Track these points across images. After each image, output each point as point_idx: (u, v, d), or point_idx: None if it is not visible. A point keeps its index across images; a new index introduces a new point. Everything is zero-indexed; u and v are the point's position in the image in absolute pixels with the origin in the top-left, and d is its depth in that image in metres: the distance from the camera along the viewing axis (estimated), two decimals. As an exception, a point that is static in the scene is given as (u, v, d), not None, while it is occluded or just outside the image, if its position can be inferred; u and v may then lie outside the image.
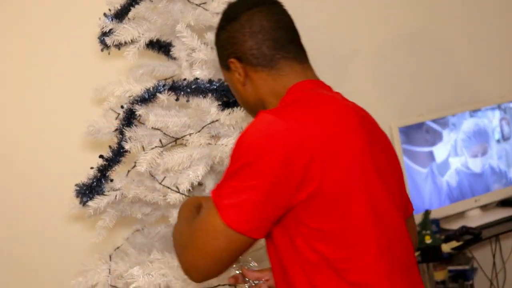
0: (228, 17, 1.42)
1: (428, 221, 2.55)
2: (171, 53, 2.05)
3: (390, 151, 1.43)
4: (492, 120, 2.85)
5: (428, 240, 2.52)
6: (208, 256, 1.20)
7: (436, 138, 2.74)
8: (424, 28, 2.90)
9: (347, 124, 1.31)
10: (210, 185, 2.03)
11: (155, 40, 2.06)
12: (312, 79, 1.42)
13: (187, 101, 1.90)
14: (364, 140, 1.31)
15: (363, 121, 1.37)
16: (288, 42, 1.40)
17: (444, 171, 2.75)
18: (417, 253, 2.55)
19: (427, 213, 2.58)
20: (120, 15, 1.98)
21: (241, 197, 1.18)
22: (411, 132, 2.70)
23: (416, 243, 1.50)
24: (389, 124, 2.65)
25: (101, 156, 1.94)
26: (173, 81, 1.90)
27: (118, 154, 1.92)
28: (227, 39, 1.41)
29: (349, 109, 1.35)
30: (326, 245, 1.22)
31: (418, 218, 2.63)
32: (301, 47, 1.44)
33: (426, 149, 2.73)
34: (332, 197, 1.22)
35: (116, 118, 1.94)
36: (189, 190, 1.85)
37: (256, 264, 1.53)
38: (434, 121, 2.73)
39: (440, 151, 2.74)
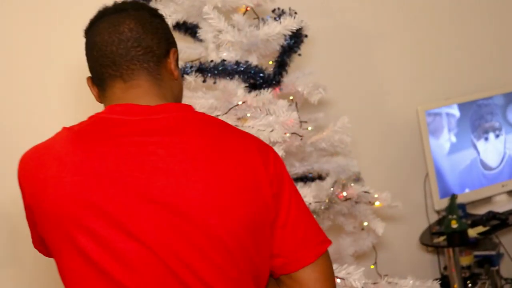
0: (84, 33, 1.33)
1: (454, 206, 2.53)
2: (197, 35, 2.04)
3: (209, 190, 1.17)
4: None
5: (454, 224, 2.50)
6: None
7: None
8: (452, 10, 2.86)
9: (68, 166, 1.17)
10: (236, 168, 2.03)
11: (181, 22, 2.06)
12: (123, 103, 1.25)
13: (214, 83, 1.90)
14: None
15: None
16: (119, 57, 1.24)
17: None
18: (443, 238, 2.54)
19: (453, 197, 2.55)
20: (147, -3, 1.98)
21: None
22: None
23: None
24: (416, 107, 2.63)
25: (128, 138, 1.94)
26: (200, 62, 1.90)
27: (145, 135, 1.92)
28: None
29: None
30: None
31: (444, 202, 2.61)
32: (137, 62, 1.25)
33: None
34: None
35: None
36: (216, 172, 1.85)
37: None
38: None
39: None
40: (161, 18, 1.33)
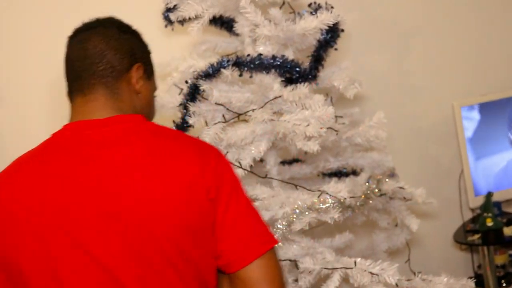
0: None
1: (490, 204, 2.50)
2: (233, 29, 2.05)
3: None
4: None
5: (489, 223, 2.47)
6: None
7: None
8: (490, 3, 2.81)
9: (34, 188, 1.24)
10: (271, 161, 2.04)
11: (218, 16, 2.07)
12: (80, 117, 1.34)
13: (251, 76, 1.90)
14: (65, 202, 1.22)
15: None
16: (83, 72, 1.34)
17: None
18: (477, 236, 2.51)
19: (489, 195, 2.52)
20: (184, -10, 1.99)
21: None
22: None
23: None
24: (452, 103, 2.60)
25: (165, 131, 1.97)
26: (237, 56, 1.91)
27: (181, 128, 1.94)
28: None
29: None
30: None
31: (480, 200, 2.58)
32: (97, 77, 1.34)
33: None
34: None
35: (180, 94, 1.97)
36: (251, 165, 1.86)
37: None
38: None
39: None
40: (132, 34, 1.42)
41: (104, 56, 1.34)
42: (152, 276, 1.23)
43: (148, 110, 1.44)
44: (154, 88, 1.48)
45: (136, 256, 1.22)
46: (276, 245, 1.32)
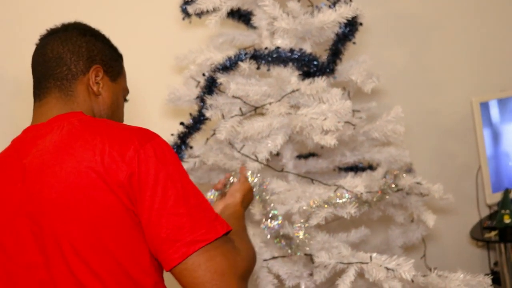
0: None
1: (507, 200, 2.48)
2: (251, 22, 2.05)
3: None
4: None
5: (507, 220, 2.45)
6: None
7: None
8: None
9: None
10: (287, 155, 2.03)
11: (235, 9, 2.06)
12: (32, 124, 1.36)
13: (268, 70, 1.90)
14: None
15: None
16: (41, 77, 1.36)
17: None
18: (494, 233, 2.49)
19: (507, 192, 2.50)
20: (202, -17, 1.99)
21: None
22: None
23: None
24: (470, 99, 2.58)
25: (181, 123, 1.97)
26: (255, 49, 1.90)
27: (198, 121, 1.94)
28: None
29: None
30: None
31: (497, 196, 2.56)
32: (52, 80, 1.35)
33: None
34: None
35: (197, 86, 1.97)
36: (268, 159, 1.86)
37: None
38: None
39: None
40: (93, 36, 1.41)
41: (61, 59, 1.35)
42: (66, 277, 1.23)
43: (110, 112, 1.42)
44: (120, 91, 1.46)
45: (53, 255, 1.24)
46: (220, 237, 1.21)
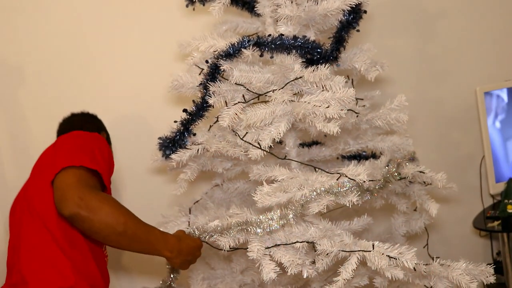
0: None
1: (511, 190, 2.47)
2: (255, 9, 2.04)
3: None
4: None
5: (510, 209, 2.45)
6: None
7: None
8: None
9: None
10: (290, 143, 2.03)
11: (239, -3, 2.06)
12: None
13: (271, 57, 1.89)
14: None
15: None
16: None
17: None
18: (497, 222, 2.48)
19: (510, 181, 2.50)
20: (206, -30, 1.98)
21: None
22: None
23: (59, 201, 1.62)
24: (474, 88, 2.57)
25: (184, 110, 1.97)
26: (258, 36, 1.90)
27: (201, 108, 1.94)
28: None
29: None
30: None
31: (501, 186, 2.56)
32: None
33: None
34: None
35: (200, 73, 1.96)
36: (270, 146, 1.86)
37: None
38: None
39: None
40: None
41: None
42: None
43: None
44: None
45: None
46: (76, 166, 1.65)
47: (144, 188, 2.42)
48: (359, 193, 1.81)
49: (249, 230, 1.79)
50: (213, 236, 1.84)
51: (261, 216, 1.80)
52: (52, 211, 1.69)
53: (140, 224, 1.68)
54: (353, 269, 1.74)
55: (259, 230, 1.79)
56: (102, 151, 1.77)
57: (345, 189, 1.80)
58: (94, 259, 1.76)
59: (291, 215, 1.79)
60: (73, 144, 1.74)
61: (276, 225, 1.79)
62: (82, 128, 1.97)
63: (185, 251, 1.79)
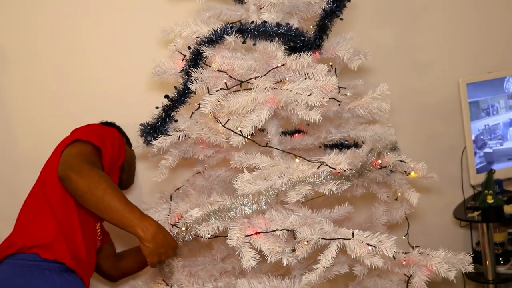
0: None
1: (491, 181, 2.49)
2: (239, -4, 2.03)
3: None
4: None
5: (490, 200, 2.47)
6: None
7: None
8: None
9: None
10: (272, 131, 2.03)
11: (223, -17, 2.04)
12: None
13: (254, 44, 1.88)
14: None
15: None
16: None
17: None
18: (477, 213, 2.50)
19: (490, 172, 2.51)
20: (190, -45, 1.96)
21: None
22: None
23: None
24: (457, 80, 2.58)
25: (166, 96, 1.96)
26: (241, 23, 1.89)
27: (183, 95, 1.93)
28: None
29: None
30: None
31: (481, 177, 2.57)
32: None
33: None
34: None
35: (183, 60, 1.95)
36: (252, 134, 1.85)
37: None
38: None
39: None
40: None
41: None
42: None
43: None
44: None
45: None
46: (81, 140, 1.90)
47: (125, 175, 2.41)
48: (337, 182, 1.80)
49: (223, 216, 1.80)
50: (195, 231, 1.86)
51: (234, 201, 1.79)
52: (54, 176, 1.89)
53: (120, 196, 1.81)
54: (333, 257, 1.74)
55: (232, 213, 1.79)
56: (113, 140, 1.98)
57: (320, 179, 1.80)
58: (82, 230, 1.91)
59: (263, 201, 1.79)
60: (87, 127, 2.01)
61: (248, 210, 1.79)
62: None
63: (160, 241, 1.81)
